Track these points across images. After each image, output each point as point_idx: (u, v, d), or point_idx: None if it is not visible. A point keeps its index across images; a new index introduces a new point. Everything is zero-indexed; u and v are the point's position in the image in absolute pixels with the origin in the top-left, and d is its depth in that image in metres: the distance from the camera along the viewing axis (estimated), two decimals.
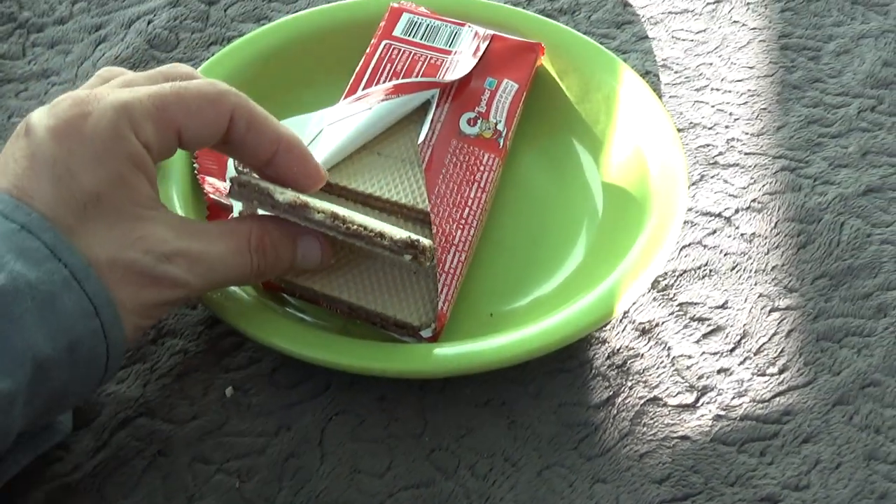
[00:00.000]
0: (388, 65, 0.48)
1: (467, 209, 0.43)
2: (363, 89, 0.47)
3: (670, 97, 0.51)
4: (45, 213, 0.32)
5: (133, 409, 0.39)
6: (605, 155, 0.47)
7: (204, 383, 0.40)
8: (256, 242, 0.36)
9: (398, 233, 0.37)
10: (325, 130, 0.45)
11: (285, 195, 0.36)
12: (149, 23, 0.54)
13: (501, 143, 0.46)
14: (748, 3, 0.56)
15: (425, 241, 0.37)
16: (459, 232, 0.42)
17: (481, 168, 0.44)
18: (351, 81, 0.47)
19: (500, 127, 0.46)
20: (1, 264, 0.30)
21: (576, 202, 0.46)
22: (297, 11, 0.54)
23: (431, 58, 0.48)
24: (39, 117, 0.33)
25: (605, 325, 0.42)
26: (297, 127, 0.46)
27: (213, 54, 0.52)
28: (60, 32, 0.54)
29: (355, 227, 0.37)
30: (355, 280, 0.40)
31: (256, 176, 0.39)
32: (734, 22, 0.55)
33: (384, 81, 0.47)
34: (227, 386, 0.40)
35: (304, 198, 0.37)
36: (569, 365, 0.41)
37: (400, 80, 0.46)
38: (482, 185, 0.44)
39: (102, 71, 0.38)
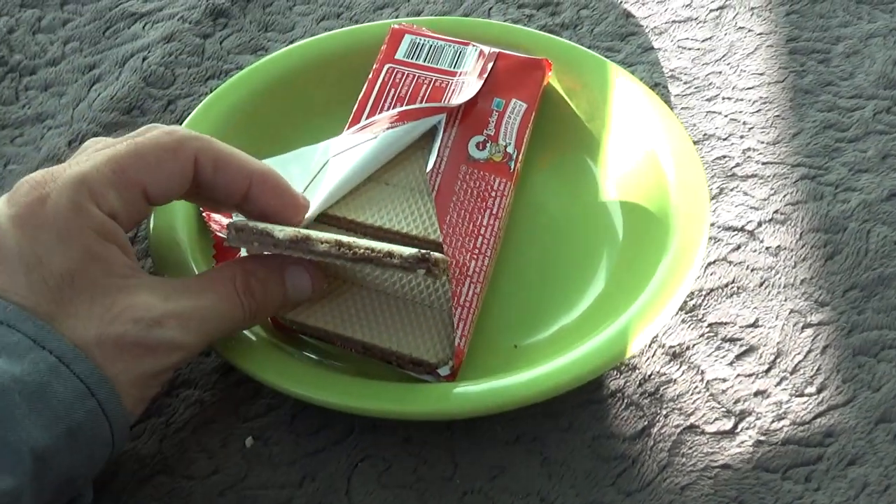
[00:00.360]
0: (392, 89, 0.47)
1: (481, 237, 0.42)
2: (367, 116, 0.46)
3: (682, 108, 0.50)
4: (22, 303, 0.31)
5: (151, 467, 0.37)
6: (620, 173, 0.46)
7: (222, 434, 0.39)
8: (243, 285, 0.36)
9: (407, 249, 0.36)
10: (331, 162, 0.44)
11: (285, 232, 0.35)
12: (143, 60, 0.52)
13: (512, 167, 0.44)
14: (752, 8, 0.55)
15: (436, 254, 0.36)
16: (474, 262, 0.41)
17: (493, 193, 0.43)
18: (354, 109, 0.46)
19: (510, 149, 0.45)
20: None
21: (594, 223, 0.45)
22: (293, 40, 0.53)
23: (436, 80, 0.47)
24: (0, 208, 0.33)
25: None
26: (301, 159, 0.45)
27: (211, 89, 0.51)
28: (53, 74, 0.53)
29: (362, 251, 0.35)
30: (368, 318, 0.39)
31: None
32: (740, 28, 0.54)
33: (389, 107, 0.46)
34: (246, 436, 0.38)
35: (304, 231, 0.36)
36: (599, 395, 0.39)
37: (405, 107, 0.45)
38: (494, 211, 0.43)
39: (87, 143, 0.37)
